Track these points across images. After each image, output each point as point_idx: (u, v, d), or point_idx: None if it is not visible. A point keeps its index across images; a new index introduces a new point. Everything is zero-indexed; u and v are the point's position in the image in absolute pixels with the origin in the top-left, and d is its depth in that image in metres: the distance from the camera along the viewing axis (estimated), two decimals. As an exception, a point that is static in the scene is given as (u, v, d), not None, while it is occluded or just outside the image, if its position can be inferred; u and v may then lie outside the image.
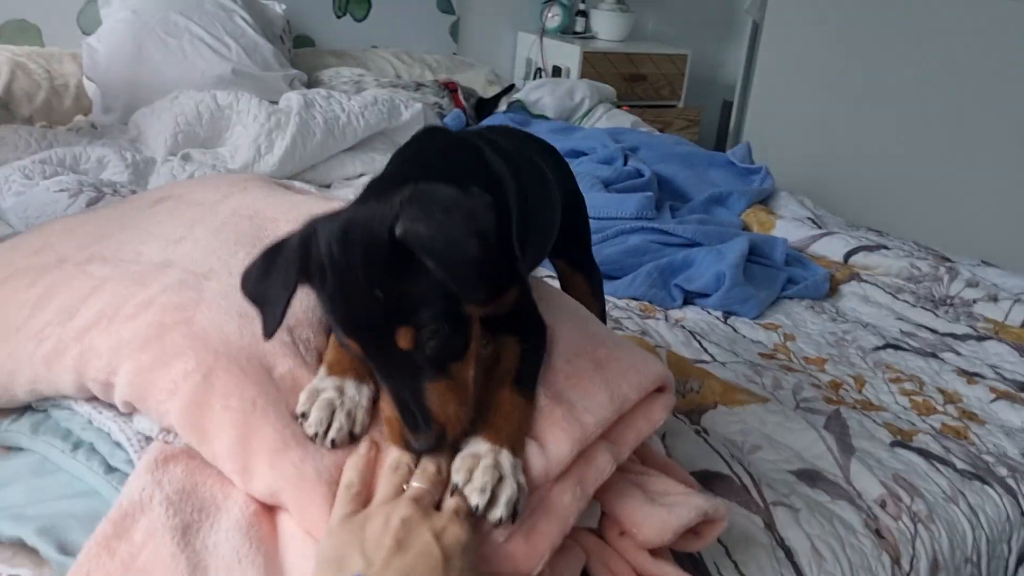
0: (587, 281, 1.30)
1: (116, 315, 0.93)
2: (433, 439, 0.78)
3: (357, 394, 0.86)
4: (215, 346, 0.89)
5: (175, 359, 0.88)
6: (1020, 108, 3.08)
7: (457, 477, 0.79)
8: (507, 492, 0.79)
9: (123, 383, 0.89)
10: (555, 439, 0.89)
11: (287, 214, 1.16)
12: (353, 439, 0.84)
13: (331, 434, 0.82)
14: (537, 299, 1.02)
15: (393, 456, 0.82)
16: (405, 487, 0.79)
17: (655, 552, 0.94)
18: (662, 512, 0.94)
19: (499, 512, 0.78)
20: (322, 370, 0.89)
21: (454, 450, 0.83)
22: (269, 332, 0.82)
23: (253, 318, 0.93)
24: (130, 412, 0.93)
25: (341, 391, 0.85)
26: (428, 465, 0.81)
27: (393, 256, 0.74)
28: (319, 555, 0.74)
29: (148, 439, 0.91)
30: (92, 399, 0.95)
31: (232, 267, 1.00)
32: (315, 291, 0.80)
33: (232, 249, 1.04)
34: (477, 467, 0.79)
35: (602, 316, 1.33)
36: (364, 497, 0.79)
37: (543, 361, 0.96)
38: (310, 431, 0.83)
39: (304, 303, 0.98)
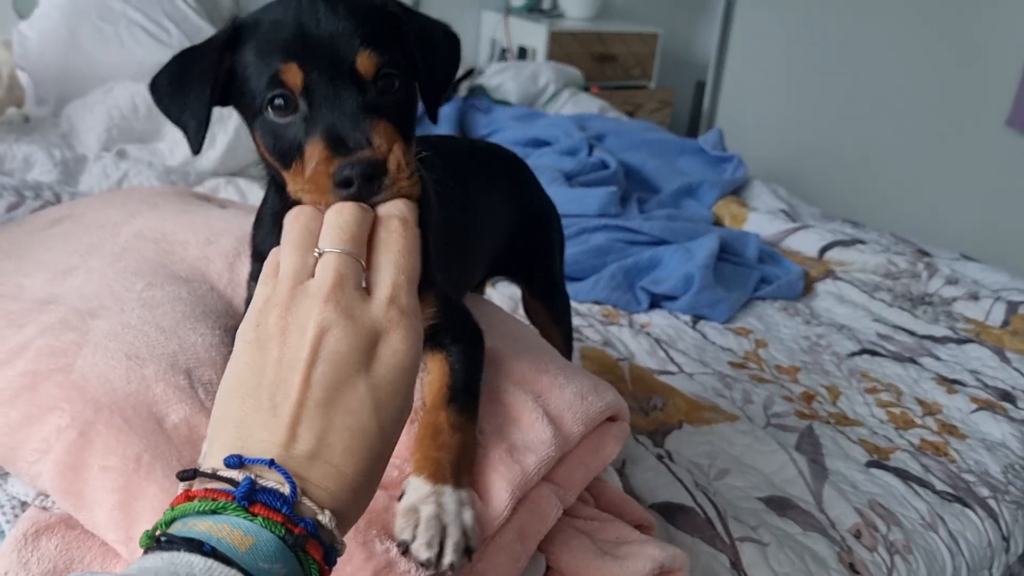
0: (548, 310, 1.19)
1: (-15, 362, 0.81)
2: (369, 156, 0.61)
3: None
4: (96, 396, 0.77)
5: (48, 413, 0.77)
6: (1000, 93, 3.00)
7: (404, 535, 0.70)
8: (452, 538, 0.70)
9: (-10, 443, 0.77)
10: (491, 486, 0.80)
11: (199, 234, 1.04)
12: None
13: None
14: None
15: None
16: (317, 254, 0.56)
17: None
18: (613, 566, 0.86)
19: (448, 560, 0.69)
20: None
21: None
22: (196, 147, 0.71)
23: (144, 360, 0.82)
24: (4, 473, 0.82)
25: None
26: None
27: (381, 15, 0.69)
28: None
29: (25, 505, 0.80)
30: (-38, 457, 0.84)
31: (126, 302, 0.88)
32: (246, 57, 0.67)
33: (130, 281, 0.92)
34: (420, 521, 0.71)
35: (566, 346, 1.23)
36: None
37: (481, 371, 0.86)
38: None
39: (207, 339, 0.87)
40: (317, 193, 0.62)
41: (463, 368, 0.83)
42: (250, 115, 0.68)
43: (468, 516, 0.72)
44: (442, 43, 0.75)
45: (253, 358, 0.52)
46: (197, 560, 0.41)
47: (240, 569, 0.41)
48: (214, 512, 0.44)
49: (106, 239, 1.00)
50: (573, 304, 1.70)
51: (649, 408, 1.36)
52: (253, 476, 0.46)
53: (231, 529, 0.43)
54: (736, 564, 1.06)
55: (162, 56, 2.34)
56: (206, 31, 2.55)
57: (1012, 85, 2.96)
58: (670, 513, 1.12)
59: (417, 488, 0.73)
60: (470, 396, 0.83)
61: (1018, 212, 3.02)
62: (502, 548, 0.79)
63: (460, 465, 0.76)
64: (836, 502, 1.20)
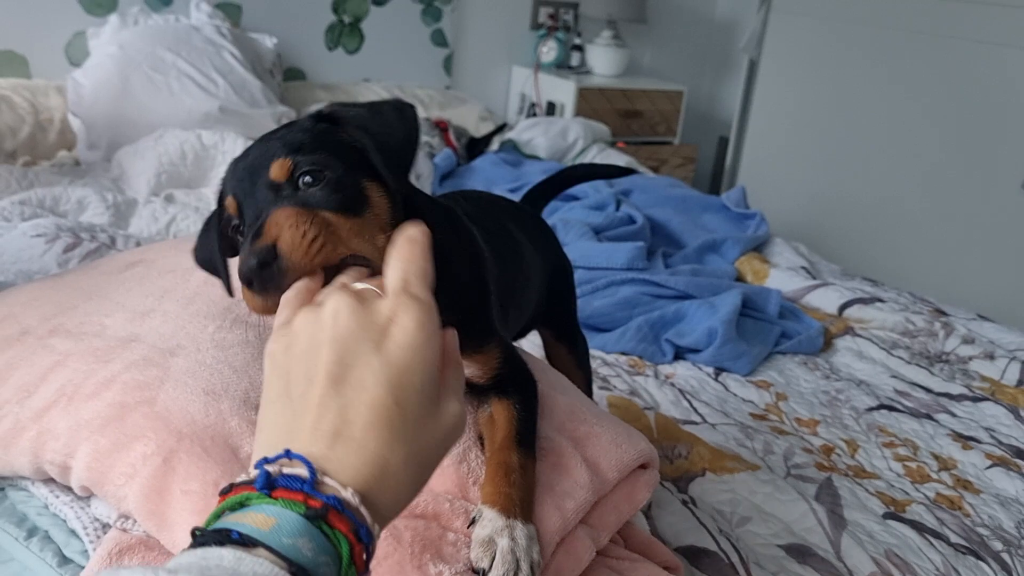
0: (571, 352, 1.26)
1: (76, 394, 0.89)
2: (260, 252, 0.63)
3: None
4: (178, 427, 0.85)
5: (135, 441, 0.84)
6: (1017, 157, 3.07)
7: (481, 564, 0.77)
8: (524, 572, 0.77)
9: (80, 467, 0.85)
10: (536, 528, 0.85)
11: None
12: None
13: None
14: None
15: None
16: None
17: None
18: (644, 604, 0.91)
19: None
20: None
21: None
22: (231, 291, 0.78)
23: (220, 395, 0.89)
24: (88, 496, 0.89)
25: None
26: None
27: (312, 131, 0.74)
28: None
29: (106, 527, 0.87)
30: (50, 480, 0.91)
31: (201, 342, 0.96)
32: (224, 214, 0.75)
33: (202, 323, 1.00)
34: (496, 552, 0.77)
35: (587, 388, 1.30)
36: None
37: (537, 417, 0.93)
38: None
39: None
40: (252, 303, 0.66)
41: (527, 415, 0.90)
42: None
43: (536, 551, 0.79)
44: (389, 114, 0.78)
45: (278, 363, 0.55)
46: (227, 552, 0.43)
47: (266, 548, 0.44)
48: (242, 505, 0.47)
49: (178, 284, 1.08)
50: (601, 354, 1.78)
51: (674, 456, 1.42)
52: (273, 469, 0.49)
53: (255, 515, 0.46)
54: (758, 608, 1.11)
55: (210, 106, 2.47)
56: (251, 83, 2.68)
57: (1028, 150, 3.04)
58: (695, 557, 1.17)
59: (492, 520, 0.79)
60: (532, 441, 0.89)
61: (1034, 274, 3.08)
62: (540, 589, 0.85)
63: (526, 502, 0.83)
64: (854, 551, 1.24)
